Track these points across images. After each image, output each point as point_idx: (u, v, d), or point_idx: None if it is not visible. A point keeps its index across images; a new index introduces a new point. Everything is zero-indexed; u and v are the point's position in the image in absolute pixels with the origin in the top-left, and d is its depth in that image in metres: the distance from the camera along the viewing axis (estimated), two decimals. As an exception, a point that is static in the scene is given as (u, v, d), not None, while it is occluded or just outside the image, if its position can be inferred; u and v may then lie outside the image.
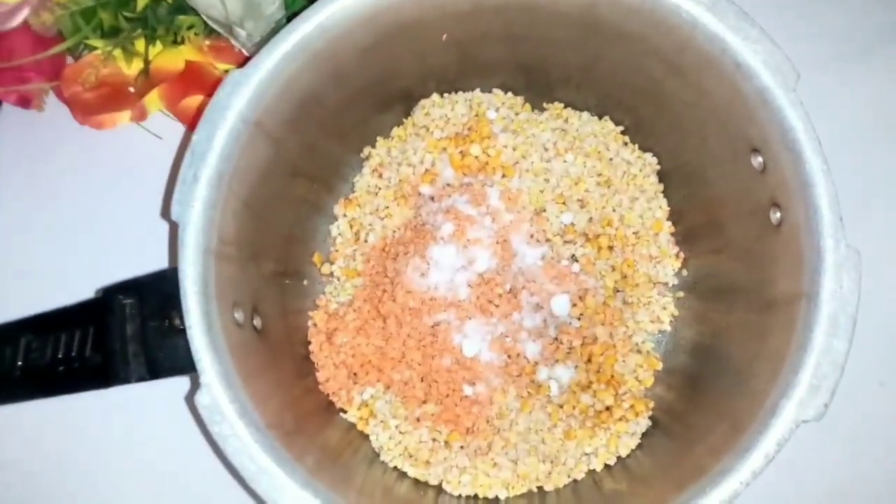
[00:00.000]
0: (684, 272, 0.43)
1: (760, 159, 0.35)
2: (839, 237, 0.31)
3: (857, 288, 0.31)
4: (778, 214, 0.34)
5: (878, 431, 0.44)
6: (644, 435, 0.41)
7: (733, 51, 0.33)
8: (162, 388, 0.37)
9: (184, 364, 0.32)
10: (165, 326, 0.33)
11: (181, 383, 0.43)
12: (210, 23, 0.44)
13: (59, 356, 0.35)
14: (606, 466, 0.40)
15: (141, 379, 0.34)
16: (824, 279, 0.31)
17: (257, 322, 0.37)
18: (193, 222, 0.33)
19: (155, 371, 0.34)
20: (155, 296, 0.34)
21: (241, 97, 0.34)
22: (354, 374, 0.42)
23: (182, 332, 0.32)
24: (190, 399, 0.43)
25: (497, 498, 0.40)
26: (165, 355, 0.33)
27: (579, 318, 0.42)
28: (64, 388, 0.36)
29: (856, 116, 0.47)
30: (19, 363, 0.36)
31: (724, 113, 0.36)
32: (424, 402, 0.41)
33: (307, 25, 0.35)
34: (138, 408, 0.44)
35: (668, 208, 0.44)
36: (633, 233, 0.43)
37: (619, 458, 0.40)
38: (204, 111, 0.34)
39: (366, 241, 0.44)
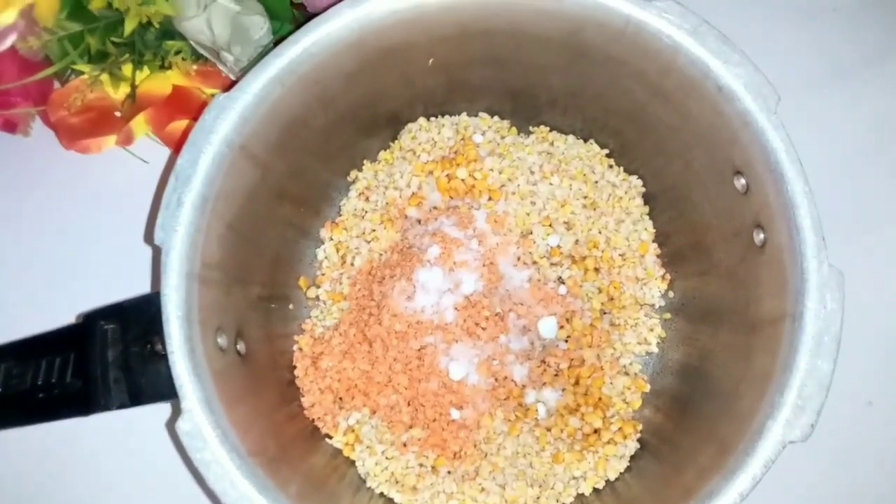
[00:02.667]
0: (671, 294, 0.43)
1: (744, 181, 0.35)
2: (822, 258, 0.31)
3: (840, 308, 0.31)
4: (762, 235, 0.34)
5: (867, 450, 0.44)
6: (632, 458, 0.41)
7: (715, 74, 0.34)
8: (143, 415, 0.36)
9: (165, 390, 0.32)
10: (147, 352, 0.33)
11: (163, 410, 0.43)
12: (198, 48, 0.44)
13: (39, 383, 0.34)
14: (595, 490, 0.40)
15: (122, 406, 0.33)
16: (808, 300, 0.31)
17: (241, 347, 0.37)
18: (177, 247, 0.33)
19: (136, 397, 0.33)
20: (137, 321, 0.34)
21: (226, 121, 0.34)
22: (340, 398, 0.41)
23: (164, 357, 0.31)
24: (171, 425, 0.42)
25: (485, 523, 0.39)
26: (147, 381, 0.33)
27: (566, 341, 0.42)
28: (43, 415, 0.35)
29: (839, 137, 0.48)
30: (-2, 390, 0.36)
31: (707, 136, 0.36)
32: (411, 426, 0.41)
33: (294, 50, 0.35)
34: (119, 435, 0.43)
35: (654, 230, 0.44)
36: (620, 255, 0.43)
37: (607, 481, 0.40)
38: (189, 135, 0.34)
39: (352, 264, 0.44)
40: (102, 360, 0.33)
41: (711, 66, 0.34)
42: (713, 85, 0.34)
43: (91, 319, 0.34)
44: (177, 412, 0.31)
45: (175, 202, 0.33)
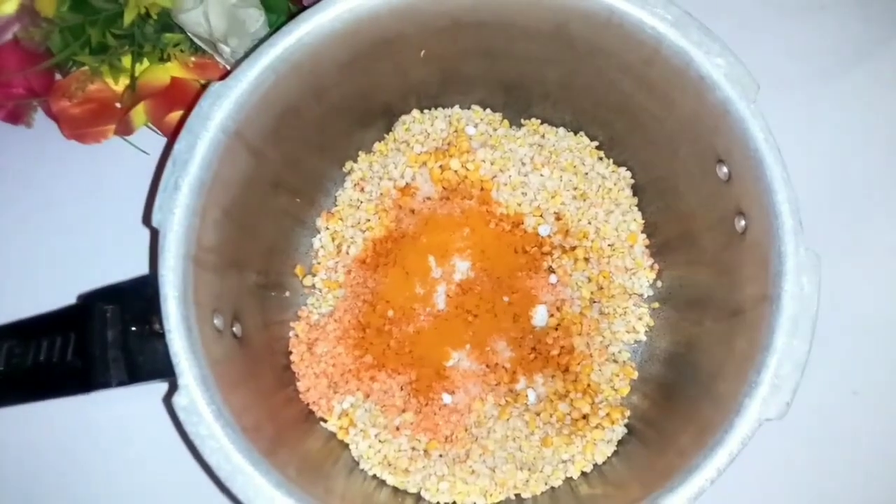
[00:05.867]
0: (659, 283, 0.44)
1: (725, 169, 0.36)
2: (799, 241, 0.32)
3: (816, 290, 0.32)
4: (743, 222, 0.35)
5: (852, 440, 0.44)
6: (619, 442, 0.41)
7: (697, 64, 0.34)
8: (142, 394, 0.37)
9: (163, 367, 0.32)
10: (146, 331, 0.34)
11: (161, 390, 0.44)
12: (195, 40, 0.45)
13: (41, 361, 0.35)
14: (583, 473, 0.41)
15: (121, 384, 0.34)
16: (785, 282, 0.32)
17: (237, 329, 0.37)
18: (174, 228, 0.33)
19: (135, 375, 0.34)
20: (135, 301, 0.34)
21: (222, 108, 0.35)
22: (335, 383, 0.42)
23: (162, 336, 0.32)
24: (168, 402, 0.43)
25: (475, 505, 0.40)
26: (145, 360, 0.34)
27: (556, 329, 0.43)
28: (45, 393, 0.36)
29: (822, 135, 0.48)
30: (1, 368, 0.37)
31: (691, 125, 0.37)
32: (404, 410, 0.42)
33: (288, 39, 0.36)
34: (118, 413, 0.44)
35: (643, 221, 0.45)
36: (609, 245, 0.44)
37: (595, 464, 0.41)
38: (185, 121, 0.35)
39: (347, 253, 0.45)
40: (102, 340, 0.34)
41: (693, 55, 0.34)
42: (695, 74, 0.35)
43: (90, 300, 0.35)
44: (174, 390, 0.32)
45: (172, 185, 0.34)
